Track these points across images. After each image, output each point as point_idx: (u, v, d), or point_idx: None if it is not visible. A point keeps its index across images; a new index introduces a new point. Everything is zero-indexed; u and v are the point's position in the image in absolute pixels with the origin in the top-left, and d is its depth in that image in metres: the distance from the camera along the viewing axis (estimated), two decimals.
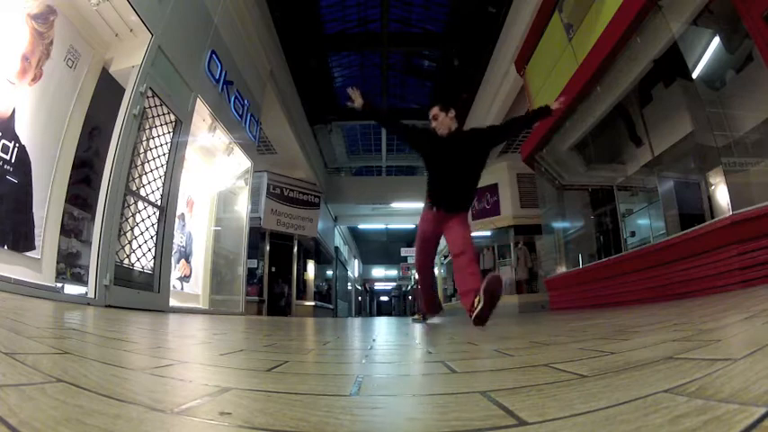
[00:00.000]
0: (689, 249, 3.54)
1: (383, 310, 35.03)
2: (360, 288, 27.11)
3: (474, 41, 8.59)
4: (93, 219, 3.46)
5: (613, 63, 4.61)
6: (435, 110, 3.01)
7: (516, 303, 9.05)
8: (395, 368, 0.86)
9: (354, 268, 23.45)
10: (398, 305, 33.77)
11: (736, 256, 3.00)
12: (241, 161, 6.40)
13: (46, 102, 3.10)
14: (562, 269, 6.94)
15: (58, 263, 3.40)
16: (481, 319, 2.38)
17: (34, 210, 3.04)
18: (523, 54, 6.83)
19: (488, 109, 8.75)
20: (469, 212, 3.32)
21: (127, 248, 3.57)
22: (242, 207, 6.74)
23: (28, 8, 2.90)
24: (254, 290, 9.53)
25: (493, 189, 10.25)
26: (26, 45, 2.89)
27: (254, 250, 9.11)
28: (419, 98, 12.15)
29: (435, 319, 3.31)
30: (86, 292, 3.09)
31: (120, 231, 3.42)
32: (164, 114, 4.05)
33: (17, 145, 2.86)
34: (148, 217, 3.87)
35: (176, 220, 4.50)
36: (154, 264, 3.91)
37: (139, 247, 3.74)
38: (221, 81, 5.32)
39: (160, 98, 3.91)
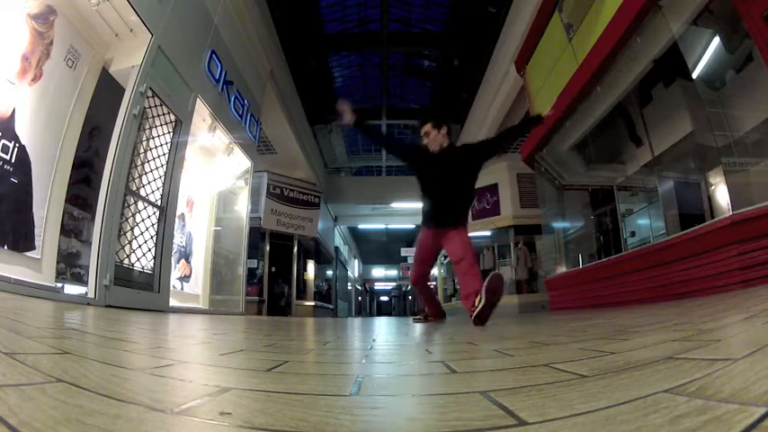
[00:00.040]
0: (689, 249, 3.54)
1: (383, 310, 35.03)
2: (360, 288, 27.12)
3: (474, 41, 8.59)
4: (93, 219, 3.46)
5: (613, 63, 4.61)
6: (427, 127, 3.04)
7: (516, 303, 9.05)
8: (395, 368, 0.86)
9: (354, 268, 23.45)
10: (398, 305, 33.77)
11: (736, 256, 3.00)
12: (241, 161, 6.40)
13: (46, 102, 3.10)
14: (562, 269, 6.94)
15: (58, 263, 3.40)
16: (481, 319, 2.38)
17: (34, 210, 3.04)
18: (523, 54, 6.83)
19: (488, 109, 8.75)
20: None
21: (127, 248, 3.57)
22: (242, 207, 6.74)
23: (28, 8, 2.90)
24: (254, 290, 9.53)
25: (493, 189, 10.26)
26: (26, 45, 2.89)
27: (254, 250, 9.11)
28: (419, 98, 12.16)
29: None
30: (86, 292, 3.09)
31: (120, 231, 3.42)
32: (164, 114, 4.05)
33: (17, 145, 2.86)
34: (148, 217, 3.87)
35: (176, 220, 4.50)
36: (154, 264, 3.91)
37: (139, 247, 3.74)
38: (221, 81, 5.32)
39: (160, 98, 3.91)
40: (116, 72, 3.73)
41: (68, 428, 0.34)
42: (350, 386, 0.59)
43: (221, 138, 5.64)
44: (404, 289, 30.04)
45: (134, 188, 3.68)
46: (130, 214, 3.66)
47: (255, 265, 9.76)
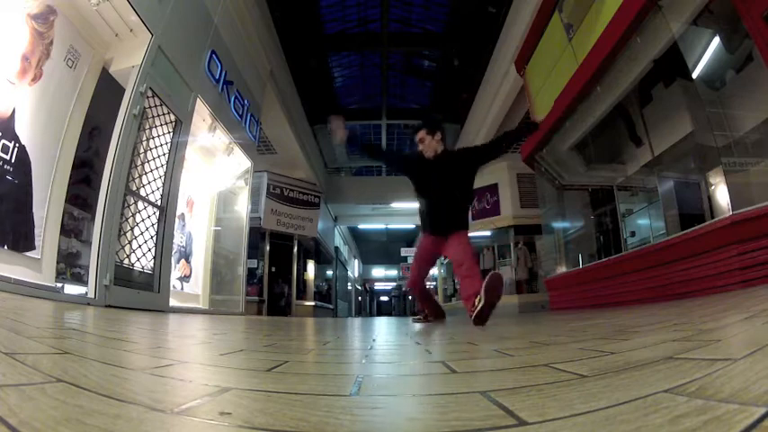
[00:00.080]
0: (689, 249, 3.54)
1: (383, 310, 35.03)
2: (360, 288, 27.12)
3: (474, 41, 8.59)
4: (93, 219, 3.46)
5: (613, 63, 4.61)
6: (422, 133, 3.06)
7: (516, 303, 9.05)
8: (395, 368, 0.86)
9: (354, 268, 23.46)
10: (398, 305, 33.77)
11: (736, 256, 3.00)
12: (241, 161, 6.40)
13: (46, 102, 3.10)
14: (562, 269, 6.94)
15: (58, 263, 3.40)
16: (481, 319, 2.38)
17: (34, 210, 3.04)
18: (523, 54, 6.83)
19: (488, 109, 8.75)
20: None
21: (127, 248, 3.57)
22: (242, 207, 6.74)
23: (28, 8, 2.90)
24: (254, 290, 9.54)
25: (493, 189, 10.26)
26: (26, 45, 2.89)
27: (254, 250, 9.12)
28: (419, 98, 12.16)
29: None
30: (86, 292, 3.09)
31: (120, 231, 3.42)
32: (164, 114, 4.05)
33: (17, 145, 2.86)
34: (148, 217, 3.87)
35: (176, 220, 4.50)
36: (154, 264, 3.91)
37: (139, 247, 3.74)
38: (221, 81, 5.32)
39: (160, 98, 3.91)
40: (116, 72, 3.74)
41: (68, 428, 0.34)
42: (350, 386, 0.59)
43: (221, 138, 5.64)
44: (404, 289, 30.02)
45: (134, 188, 3.68)
46: (130, 214, 3.66)
47: (255, 265, 9.76)
